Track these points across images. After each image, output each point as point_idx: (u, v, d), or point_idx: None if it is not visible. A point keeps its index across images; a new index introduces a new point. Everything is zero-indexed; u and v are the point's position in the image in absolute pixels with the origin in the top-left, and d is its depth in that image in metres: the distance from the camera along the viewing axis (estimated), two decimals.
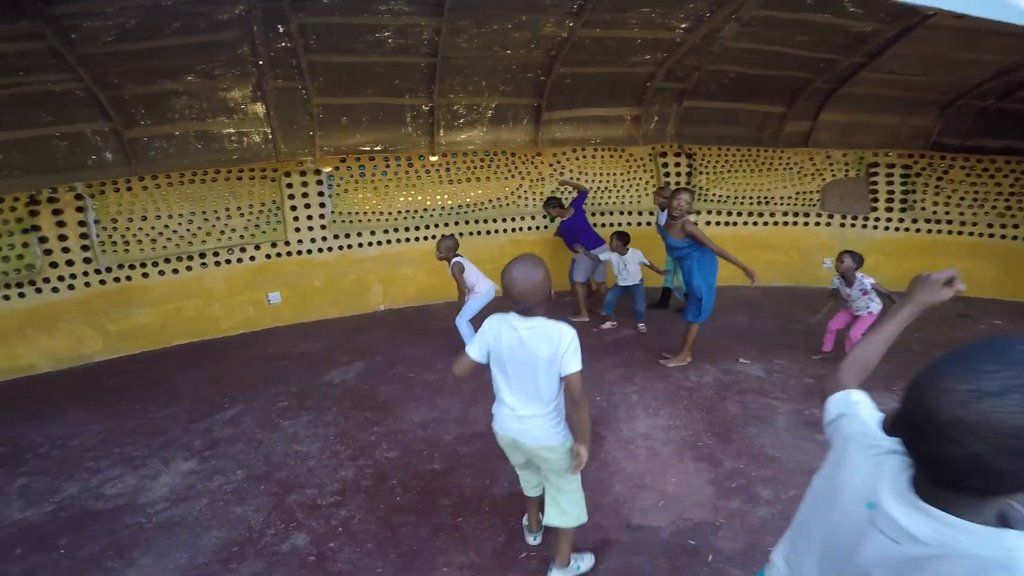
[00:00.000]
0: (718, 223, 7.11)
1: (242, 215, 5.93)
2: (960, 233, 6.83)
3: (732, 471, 2.99)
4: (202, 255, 5.81)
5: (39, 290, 5.17)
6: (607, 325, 5.49)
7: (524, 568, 2.35)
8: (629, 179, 7.09)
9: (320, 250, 6.24)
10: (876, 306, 4.20)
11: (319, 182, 6.14)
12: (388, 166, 6.39)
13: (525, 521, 2.51)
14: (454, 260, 4.50)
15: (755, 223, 7.15)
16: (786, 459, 3.07)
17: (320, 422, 3.76)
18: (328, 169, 6.17)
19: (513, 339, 1.86)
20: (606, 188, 7.05)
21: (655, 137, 7.01)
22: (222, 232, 5.89)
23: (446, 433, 3.48)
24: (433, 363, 4.69)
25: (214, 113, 5.42)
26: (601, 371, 4.35)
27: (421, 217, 6.60)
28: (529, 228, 6.96)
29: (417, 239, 6.56)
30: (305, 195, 6.11)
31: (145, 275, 5.62)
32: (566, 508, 2.07)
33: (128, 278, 5.55)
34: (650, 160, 7.09)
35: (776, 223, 7.17)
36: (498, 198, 6.82)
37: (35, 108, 4.66)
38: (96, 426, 3.87)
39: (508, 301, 1.86)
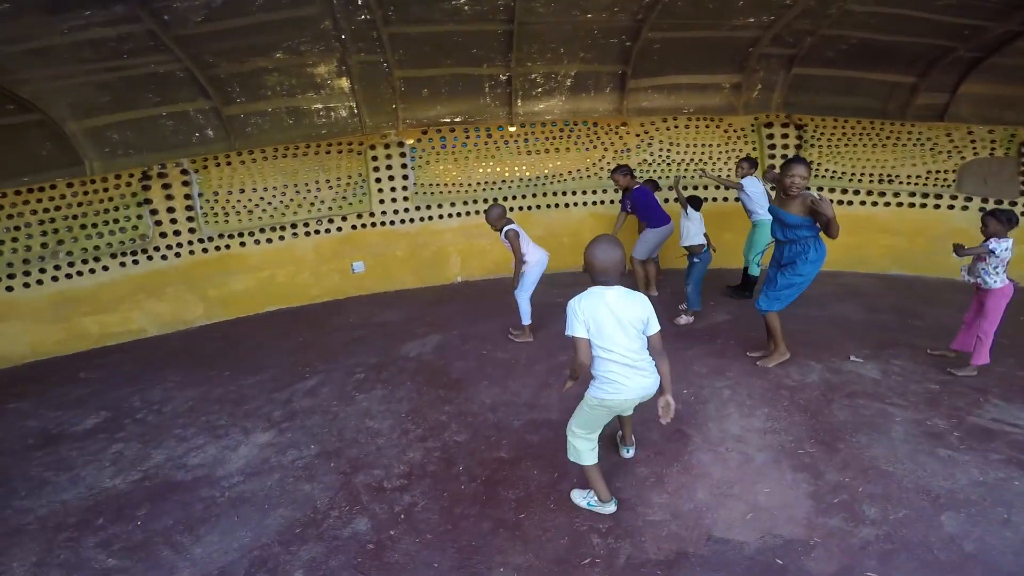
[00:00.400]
0: (831, 201, 6.33)
1: (330, 187, 6.11)
2: None
3: (835, 485, 2.59)
4: (294, 225, 6.07)
5: (150, 258, 5.64)
6: (682, 320, 4.87)
7: None
8: (727, 151, 6.49)
9: (403, 221, 6.31)
10: (997, 279, 3.50)
11: (402, 154, 6.17)
12: (468, 137, 6.29)
13: (619, 438, 2.94)
14: (508, 227, 4.26)
15: (874, 203, 6.30)
16: (900, 475, 2.63)
17: (394, 397, 3.78)
18: (411, 141, 6.18)
19: (607, 303, 2.18)
20: (701, 160, 6.52)
21: (758, 106, 6.34)
22: (312, 204, 6.11)
23: (516, 419, 3.35)
24: (505, 341, 4.59)
25: (303, 89, 5.54)
26: (688, 361, 4.02)
27: (499, 189, 6.48)
28: (612, 202, 6.60)
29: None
30: (389, 167, 6.17)
31: (242, 244, 5.96)
32: None
33: (227, 247, 5.92)
34: (752, 131, 6.44)
35: (900, 204, 6.27)
36: (578, 170, 6.54)
37: (142, 90, 4.97)
38: (189, 391, 4.15)
39: (592, 274, 2.23)
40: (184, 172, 5.66)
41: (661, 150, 6.50)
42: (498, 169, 6.42)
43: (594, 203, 6.57)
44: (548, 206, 6.56)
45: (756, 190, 5.16)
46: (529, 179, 6.49)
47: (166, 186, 5.61)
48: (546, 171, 6.47)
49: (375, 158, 6.12)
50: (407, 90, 5.80)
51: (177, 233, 5.72)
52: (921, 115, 6.12)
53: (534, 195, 6.47)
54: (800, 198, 3.46)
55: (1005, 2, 4.32)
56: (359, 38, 5.03)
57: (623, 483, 2.70)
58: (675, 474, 2.75)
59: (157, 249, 5.67)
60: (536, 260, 4.31)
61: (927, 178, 6.28)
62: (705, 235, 4.82)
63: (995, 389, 3.43)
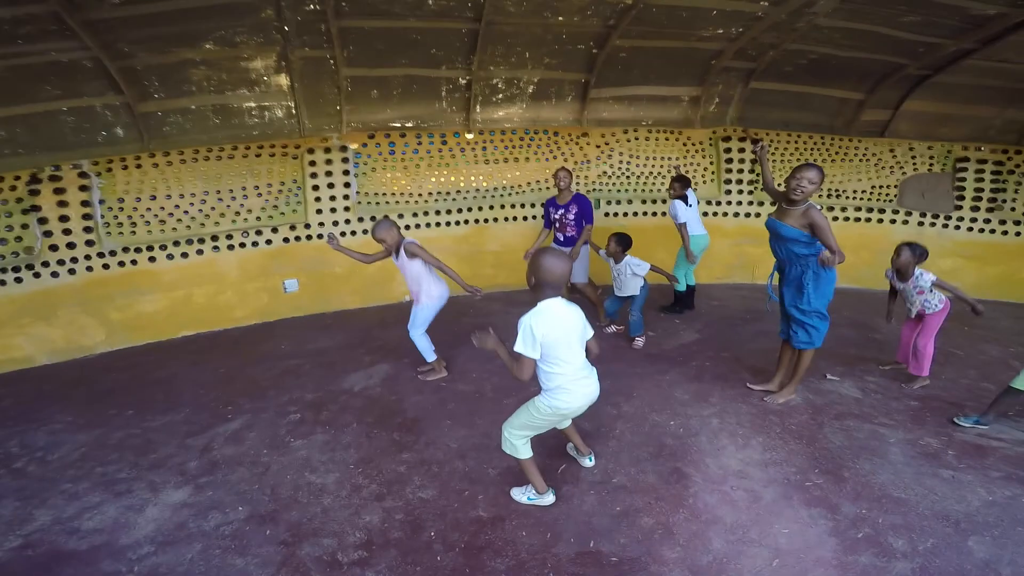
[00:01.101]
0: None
1: (260, 195, 5.41)
2: None
3: (854, 518, 2.44)
4: (215, 238, 5.32)
5: (37, 275, 4.71)
6: (611, 329, 4.90)
7: None
8: (686, 164, 6.39)
9: (343, 234, 5.69)
10: (937, 302, 3.67)
11: (344, 160, 5.58)
12: (420, 143, 5.80)
13: (572, 450, 2.91)
14: (407, 241, 3.70)
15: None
16: (914, 501, 2.54)
17: (338, 443, 3.20)
18: (355, 146, 5.60)
19: (559, 318, 2.22)
20: (659, 174, 6.37)
21: (714, 120, 6.30)
22: (237, 213, 5.38)
23: (490, 466, 2.89)
24: (467, 368, 4.12)
25: (234, 85, 4.90)
26: (668, 388, 3.74)
27: (454, 199, 6.02)
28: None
29: (448, 223, 5.99)
30: (329, 174, 5.55)
31: (152, 259, 5.14)
32: None
33: (134, 262, 5.08)
34: (710, 144, 6.38)
35: (847, 219, 6.42)
36: (538, 180, 6.20)
37: (40, 81, 4.20)
38: (82, 435, 3.38)
39: (539, 289, 2.24)
40: (83, 175, 4.79)
41: (621, 162, 6.30)
42: (452, 178, 5.96)
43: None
44: (506, 219, 6.17)
45: (684, 209, 4.97)
46: (486, 190, 6.08)
47: (59, 191, 4.71)
48: (504, 181, 6.08)
49: (313, 163, 5.49)
50: (354, 90, 5.25)
51: (71, 246, 4.82)
52: (864, 131, 6.30)
53: (491, 207, 6.06)
54: (802, 209, 3.11)
55: (965, 21, 4.42)
56: (304, 31, 4.50)
57: (627, 538, 2.33)
58: (683, 522, 2.43)
59: (46, 264, 4.74)
60: (438, 294, 3.81)
61: (871, 193, 6.46)
62: (658, 271, 4.56)
63: (968, 403, 3.48)
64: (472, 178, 6.02)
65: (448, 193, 5.99)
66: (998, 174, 6.17)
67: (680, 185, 5.04)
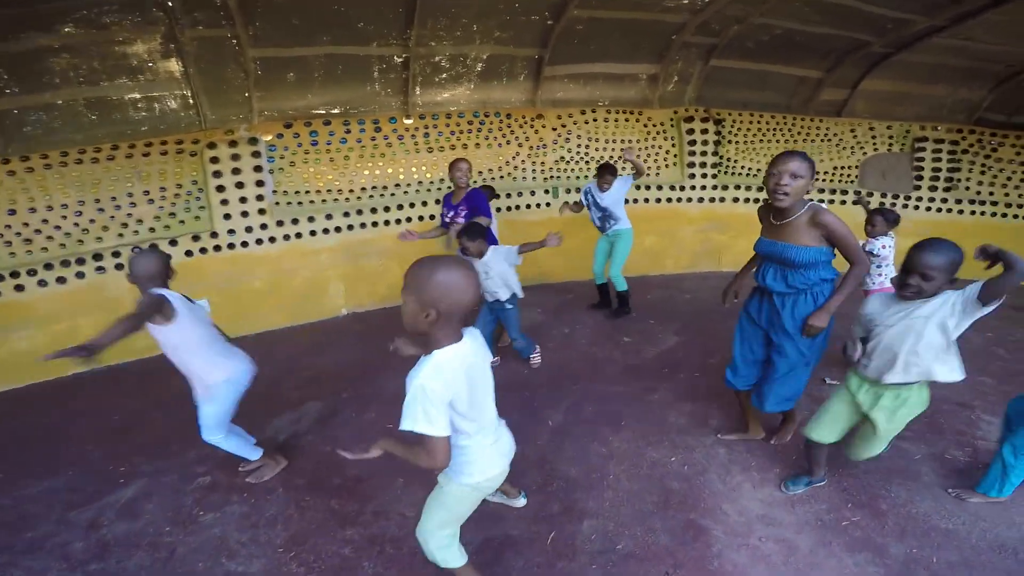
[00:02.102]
0: (747, 200, 6.04)
1: (151, 201, 4.46)
2: (1004, 216, 6.15)
3: (906, 560, 2.07)
4: (98, 257, 4.34)
5: None
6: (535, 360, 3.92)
7: None
8: (647, 147, 5.93)
9: (259, 241, 4.82)
10: (874, 281, 3.49)
11: (255, 154, 4.69)
12: (349, 132, 4.99)
13: (499, 497, 2.43)
14: (153, 293, 2.26)
15: None
16: (964, 531, 2.20)
17: (261, 516, 2.47)
18: (267, 137, 4.72)
19: (469, 366, 1.48)
20: (619, 158, 5.87)
21: (672, 100, 5.87)
22: (124, 225, 4.42)
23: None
24: None
25: (110, 74, 3.99)
26: (660, 411, 3.20)
27: (392, 194, 5.27)
28: (529, 206, 5.72)
29: (388, 222, 5.23)
30: (237, 171, 4.65)
31: (20, 288, 4.14)
32: None
33: None
34: (672, 125, 5.93)
35: (811, 200, 6.16)
36: (490, 169, 5.55)
37: None
38: None
39: (434, 320, 1.39)
40: None
41: (579, 146, 5.75)
42: (390, 170, 5.20)
43: (511, 208, 5.62)
44: None
45: (615, 197, 4.45)
46: (431, 181, 5.36)
47: None
48: None
49: (215, 159, 4.57)
50: (265, 74, 4.40)
51: None
52: (822, 111, 6.12)
53: (437, 201, 5.34)
54: (807, 215, 2.20)
55: None
56: (195, 6, 3.71)
57: None
58: None
59: None
60: (233, 373, 2.49)
61: (834, 174, 6.27)
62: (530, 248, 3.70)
63: (976, 403, 3.23)
64: (413, 169, 5.29)
65: (386, 187, 5.23)
66: (953, 153, 6.15)
67: (609, 174, 4.44)
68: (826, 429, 2.27)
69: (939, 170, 6.17)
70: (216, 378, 2.44)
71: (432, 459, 1.41)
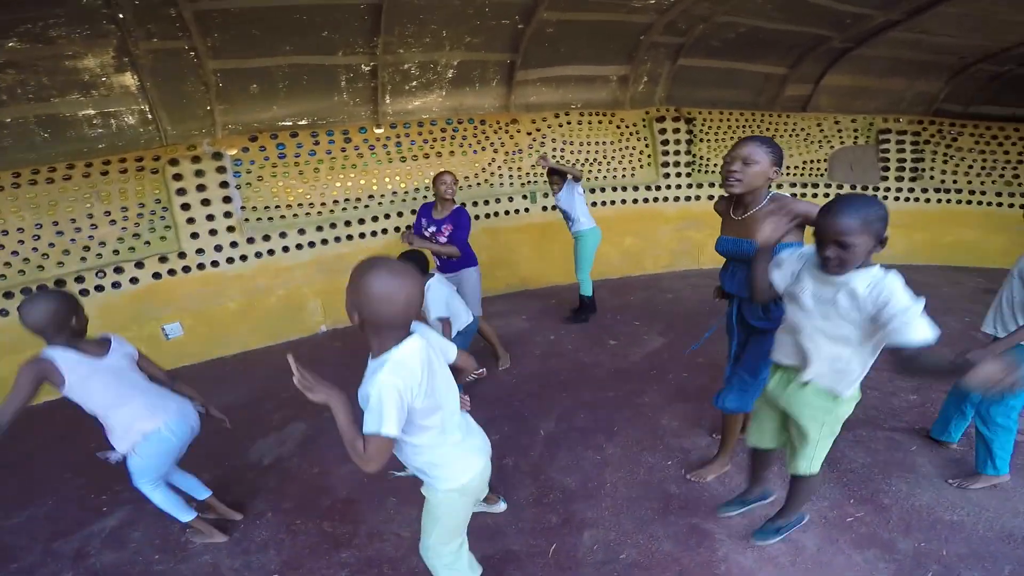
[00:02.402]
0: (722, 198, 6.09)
1: (113, 223, 4.27)
2: (969, 203, 6.33)
3: (916, 554, 2.05)
4: (60, 283, 4.11)
5: None
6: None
7: None
8: (621, 148, 5.94)
9: (230, 260, 4.65)
10: None
11: (220, 170, 4.52)
12: (318, 144, 4.86)
13: (480, 506, 2.36)
14: (41, 358, 1.99)
15: None
16: (970, 522, 2.20)
17: (252, 542, 2.36)
18: (232, 152, 4.57)
19: (425, 357, 1.41)
20: (594, 160, 5.88)
21: (643, 100, 5.90)
22: (86, 248, 4.21)
23: None
24: None
25: (62, 90, 3.80)
26: (652, 414, 3.17)
27: (367, 206, 5.15)
28: (507, 212, 5.65)
29: (363, 235, 5.11)
30: (202, 188, 4.48)
31: None
32: None
33: None
34: (644, 126, 5.96)
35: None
36: (466, 176, 5.46)
37: None
38: None
39: (376, 327, 1.36)
40: None
41: (555, 149, 5.72)
42: (362, 181, 5.08)
43: (489, 215, 5.56)
44: None
45: (567, 199, 4.38)
46: (405, 191, 5.25)
47: None
48: (426, 180, 5.26)
49: (178, 176, 4.39)
50: (227, 86, 4.25)
51: None
52: (787, 106, 6.24)
53: (413, 211, 5.24)
54: (774, 211, 1.94)
55: None
56: (147, 18, 3.55)
57: None
58: None
59: None
60: (156, 429, 2.13)
61: (803, 168, 6.38)
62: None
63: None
64: (387, 179, 5.18)
65: (359, 199, 5.10)
66: (916, 144, 6.33)
67: (560, 177, 4.40)
68: (754, 432, 1.98)
69: (904, 160, 6.34)
70: (132, 438, 2.11)
71: (367, 460, 1.31)
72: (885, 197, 6.37)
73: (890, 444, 2.75)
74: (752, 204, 2.02)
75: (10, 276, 4.00)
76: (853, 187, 6.38)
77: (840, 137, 6.34)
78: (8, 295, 3.97)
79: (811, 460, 1.81)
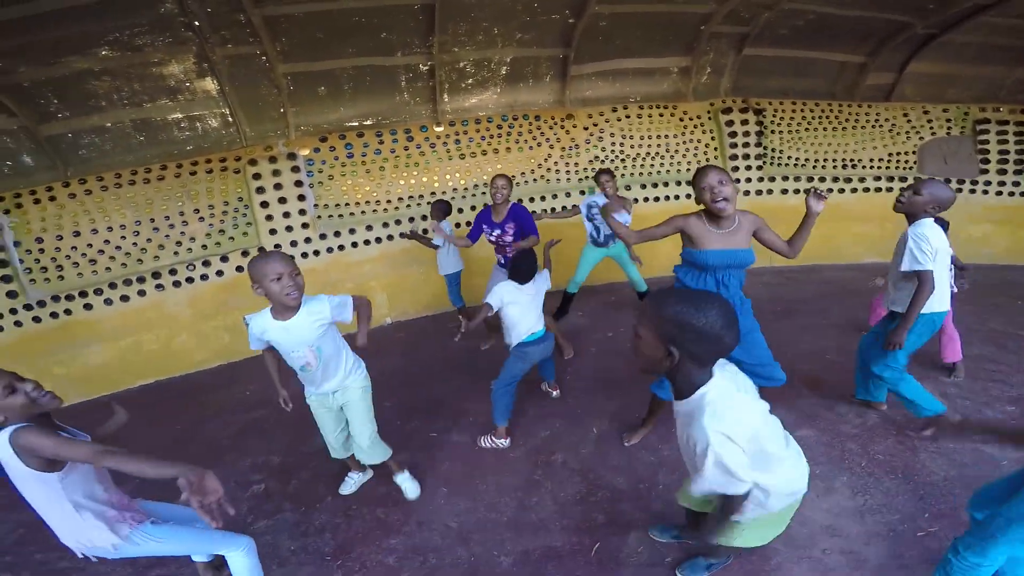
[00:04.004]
0: (795, 191, 5.77)
1: (202, 219, 4.67)
2: None
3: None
4: (156, 275, 4.57)
5: None
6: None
7: None
8: (685, 141, 5.76)
9: (304, 255, 4.96)
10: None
11: (295, 169, 4.83)
12: (382, 143, 5.07)
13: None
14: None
15: (841, 190, 5.82)
16: None
17: (311, 523, 2.52)
18: (306, 152, 4.86)
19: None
20: (656, 154, 5.73)
21: (707, 92, 5.69)
22: (178, 243, 4.64)
23: (500, 551, 2.21)
24: (463, 407, 3.42)
25: (152, 95, 4.19)
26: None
27: (429, 203, 5.28)
28: (564, 207, 5.64)
29: (426, 231, 5.25)
30: (279, 187, 4.81)
31: (88, 306, 4.42)
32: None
33: (68, 311, 4.38)
34: (709, 118, 5.75)
35: (867, 189, 5.86)
36: (522, 172, 5.49)
37: None
38: (18, 514, 2.56)
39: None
40: None
41: (614, 144, 5.65)
42: (424, 179, 5.25)
43: (546, 211, 5.56)
44: None
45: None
46: (465, 188, 5.38)
47: None
48: (485, 177, 5.38)
49: (257, 176, 4.74)
50: (297, 89, 4.53)
51: None
52: (868, 96, 5.81)
53: (472, 207, 5.35)
54: (744, 222, 2.34)
55: None
56: (220, 24, 3.82)
57: None
58: None
59: None
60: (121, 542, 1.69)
61: (889, 161, 5.92)
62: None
63: None
64: (447, 176, 5.32)
65: (422, 196, 5.28)
66: (1021, 135, 5.69)
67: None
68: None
69: (1007, 152, 5.72)
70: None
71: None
72: (986, 191, 5.78)
73: (977, 457, 2.51)
74: (732, 218, 2.31)
75: (114, 269, 4.48)
76: (947, 180, 5.84)
77: (931, 128, 5.82)
78: (112, 286, 4.44)
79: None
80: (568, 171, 5.63)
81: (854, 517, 2.21)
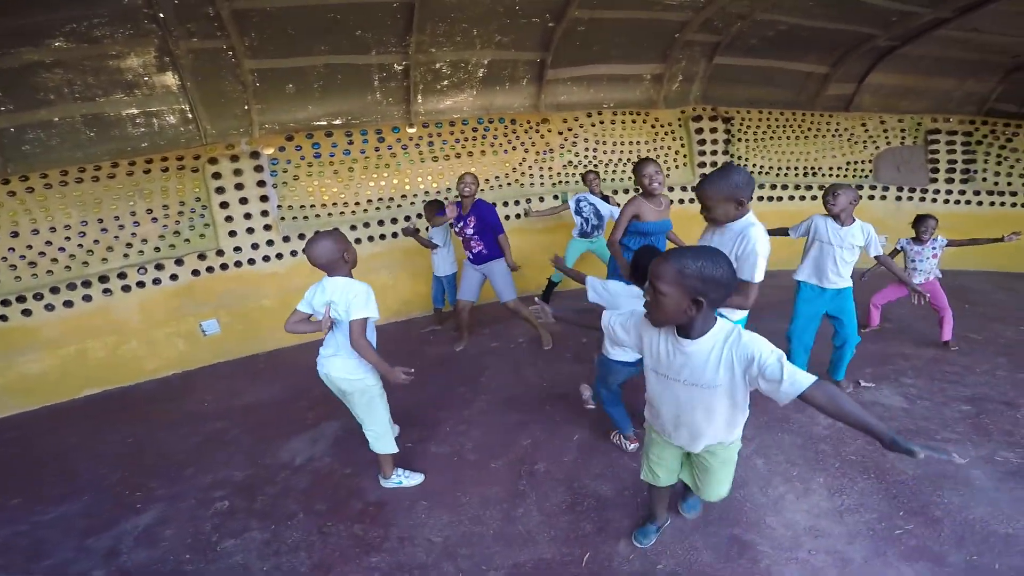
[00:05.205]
0: (760, 198, 5.93)
1: (155, 220, 4.38)
2: None
3: (967, 568, 1.98)
4: (104, 279, 4.24)
5: None
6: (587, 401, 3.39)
7: None
8: (655, 148, 5.83)
9: (267, 258, 4.73)
10: (937, 271, 3.84)
11: (258, 169, 4.60)
12: (352, 143, 4.91)
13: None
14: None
15: (802, 197, 6.02)
16: None
17: (283, 543, 2.36)
18: (270, 151, 4.64)
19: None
20: (628, 160, 5.78)
21: (678, 100, 5.79)
22: (129, 245, 4.34)
23: (491, 566, 2.12)
24: (438, 416, 3.31)
25: (106, 89, 3.93)
26: None
27: (399, 206, 5.17)
28: (553, 199, 5.61)
29: (396, 235, 5.12)
30: (240, 187, 4.57)
31: (27, 312, 4.06)
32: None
33: (3, 317, 3.99)
34: (680, 125, 5.84)
35: None
36: (496, 176, 5.43)
37: None
38: None
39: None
40: None
41: (587, 149, 5.65)
42: (395, 181, 5.10)
43: (519, 215, 5.51)
44: None
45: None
46: (437, 191, 5.26)
47: None
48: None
49: (217, 175, 4.49)
50: (263, 86, 4.34)
51: None
52: (829, 105, 6.05)
53: None
54: (665, 198, 3.33)
55: None
56: (186, 17, 3.64)
57: None
58: None
59: None
60: None
61: (847, 169, 6.16)
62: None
63: (1021, 400, 3.12)
64: (419, 179, 5.19)
65: (392, 199, 5.13)
66: (967, 145, 6.05)
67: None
68: (656, 474, 1.98)
69: (955, 162, 6.06)
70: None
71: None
72: (935, 200, 6.10)
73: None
74: (659, 199, 3.23)
75: (56, 272, 4.15)
76: (900, 188, 6.13)
77: (886, 137, 6.10)
78: (54, 290, 4.11)
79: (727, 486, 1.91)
80: (542, 175, 5.60)
81: (834, 517, 2.25)
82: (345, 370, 2.38)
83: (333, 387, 2.47)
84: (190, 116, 4.28)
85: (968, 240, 3.78)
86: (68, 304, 4.14)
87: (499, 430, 3.09)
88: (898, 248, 3.93)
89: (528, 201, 5.52)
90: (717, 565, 2.04)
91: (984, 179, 6.06)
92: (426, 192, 5.23)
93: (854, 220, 3.04)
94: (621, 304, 2.35)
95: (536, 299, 2.06)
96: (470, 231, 3.90)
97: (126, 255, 4.33)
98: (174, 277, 4.43)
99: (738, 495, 2.40)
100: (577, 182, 5.61)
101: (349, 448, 3.05)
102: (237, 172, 4.53)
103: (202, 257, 4.49)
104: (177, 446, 3.28)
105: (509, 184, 5.49)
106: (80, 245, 4.20)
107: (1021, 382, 3.32)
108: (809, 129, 6.02)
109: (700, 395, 1.56)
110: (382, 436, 2.53)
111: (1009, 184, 6.02)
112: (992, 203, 6.03)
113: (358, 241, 5.02)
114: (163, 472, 2.99)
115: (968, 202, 6.07)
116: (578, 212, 4.67)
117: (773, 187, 5.98)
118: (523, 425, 3.11)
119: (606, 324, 1.78)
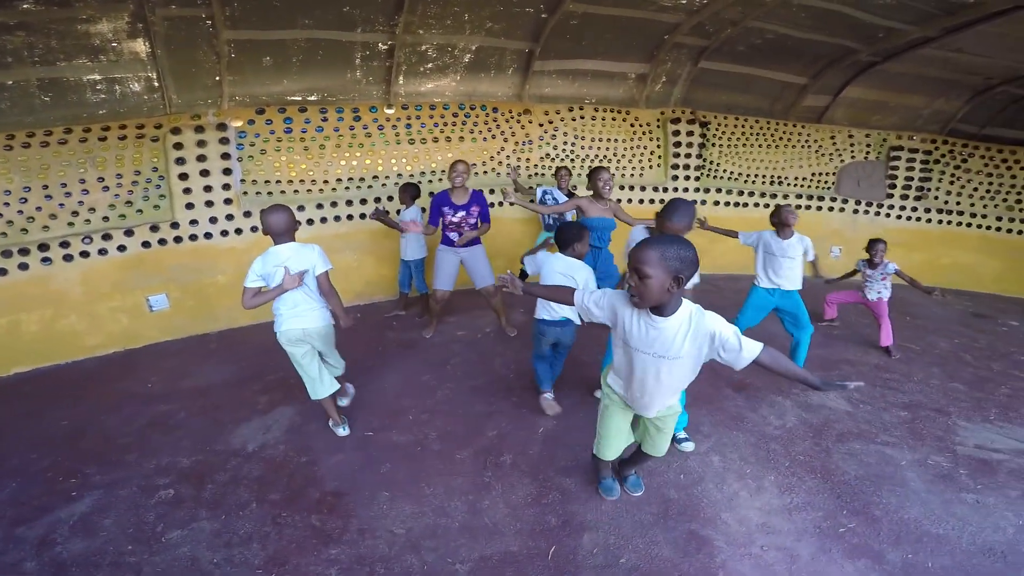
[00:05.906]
0: (727, 203, 6.06)
1: (106, 189, 4.11)
2: (969, 225, 6.35)
3: (904, 566, 2.08)
4: (44, 247, 3.94)
5: None
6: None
7: None
8: (633, 147, 5.86)
9: (225, 233, 4.51)
10: (887, 292, 4.21)
11: (223, 141, 4.38)
12: (326, 120, 4.73)
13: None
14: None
15: (767, 205, 6.17)
16: (954, 536, 2.25)
17: (234, 534, 2.25)
18: (238, 124, 4.42)
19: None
20: (605, 157, 5.79)
21: (658, 100, 5.83)
22: (74, 213, 4.06)
23: (455, 558, 2.08)
24: (401, 404, 3.24)
25: (69, 54, 3.65)
26: None
27: (370, 187, 5.03)
28: (513, 204, 5.55)
29: (363, 215, 4.98)
30: (202, 159, 4.34)
31: None
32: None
33: None
34: (658, 126, 5.89)
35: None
36: (474, 163, 5.34)
37: None
38: None
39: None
40: None
41: (566, 143, 5.64)
42: (368, 161, 4.95)
43: (491, 204, 5.43)
44: None
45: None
46: (411, 174, 5.13)
47: None
48: (433, 164, 5.17)
49: (179, 145, 4.24)
50: (239, 57, 4.12)
51: None
52: (802, 116, 6.19)
53: (430, 193, 5.12)
54: (611, 201, 3.73)
55: (940, 8, 4.20)
56: None
57: None
58: None
59: None
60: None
61: (811, 180, 6.35)
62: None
63: (951, 409, 3.34)
64: (393, 161, 5.05)
65: (363, 179, 4.98)
66: (926, 163, 6.31)
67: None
68: (612, 447, 2.22)
69: (911, 179, 6.32)
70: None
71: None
72: (888, 215, 6.36)
73: (881, 458, 2.78)
74: (605, 201, 3.64)
75: None
76: (858, 202, 6.36)
77: (852, 151, 6.32)
78: None
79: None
80: (520, 166, 5.55)
81: (784, 515, 2.34)
82: (323, 319, 2.72)
83: (305, 340, 2.71)
84: (156, 84, 4.02)
85: (909, 279, 4.05)
86: (2, 272, 3.84)
87: (464, 420, 3.05)
88: (856, 268, 4.32)
89: (504, 192, 5.47)
90: (676, 560, 2.07)
91: (936, 197, 6.35)
92: (399, 174, 5.10)
93: (793, 233, 3.49)
94: (547, 271, 2.89)
95: (508, 272, 2.14)
96: (473, 220, 3.95)
97: (71, 223, 4.04)
98: (122, 248, 4.17)
99: (695, 491, 2.45)
100: (553, 175, 5.60)
101: (305, 435, 2.95)
102: (201, 143, 4.29)
103: (155, 229, 4.25)
104: (118, 430, 3.08)
105: (487, 172, 5.42)
106: (20, 211, 3.88)
107: (952, 391, 3.54)
108: (780, 139, 6.17)
109: (667, 365, 1.80)
110: (339, 366, 2.95)
111: (958, 204, 6.33)
112: (940, 221, 6.33)
113: (324, 220, 4.86)
114: (102, 457, 2.81)
115: (919, 219, 6.36)
116: (543, 203, 4.84)
117: (740, 193, 6.12)
118: (489, 416, 3.07)
119: (579, 303, 1.95)
